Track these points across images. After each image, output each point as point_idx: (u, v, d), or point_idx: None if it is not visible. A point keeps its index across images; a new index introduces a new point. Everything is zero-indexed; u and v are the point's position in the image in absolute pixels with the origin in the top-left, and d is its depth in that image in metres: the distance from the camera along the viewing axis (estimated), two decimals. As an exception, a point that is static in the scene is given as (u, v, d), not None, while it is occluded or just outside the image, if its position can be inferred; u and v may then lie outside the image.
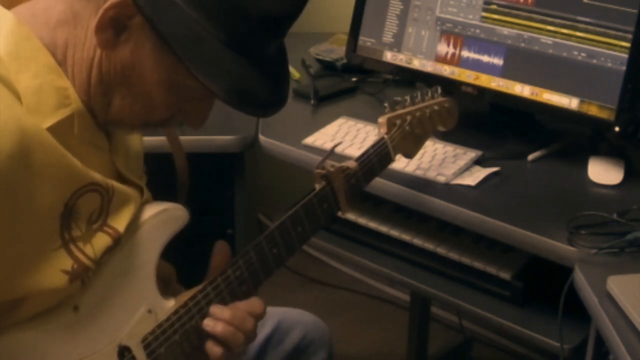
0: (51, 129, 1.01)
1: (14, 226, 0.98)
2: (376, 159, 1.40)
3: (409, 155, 1.53)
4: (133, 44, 1.02)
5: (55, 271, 1.04)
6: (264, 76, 1.06)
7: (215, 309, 1.19)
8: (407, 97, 1.50)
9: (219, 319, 1.18)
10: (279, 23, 1.06)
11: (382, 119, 1.45)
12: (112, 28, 1.01)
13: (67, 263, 1.05)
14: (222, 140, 1.85)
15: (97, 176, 1.07)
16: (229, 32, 1.01)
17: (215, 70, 1.01)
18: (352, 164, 1.36)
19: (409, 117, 1.47)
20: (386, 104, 1.46)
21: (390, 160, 1.44)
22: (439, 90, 1.56)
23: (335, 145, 1.46)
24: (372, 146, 1.41)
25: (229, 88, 1.02)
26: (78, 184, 1.05)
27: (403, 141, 1.47)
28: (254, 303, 1.21)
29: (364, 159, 1.38)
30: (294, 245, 1.27)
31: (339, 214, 1.34)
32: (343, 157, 1.46)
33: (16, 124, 0.96)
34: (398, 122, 1.46)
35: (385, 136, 1.43)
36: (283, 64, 1.13)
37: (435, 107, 1.54)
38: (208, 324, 1.18)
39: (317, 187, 1.31)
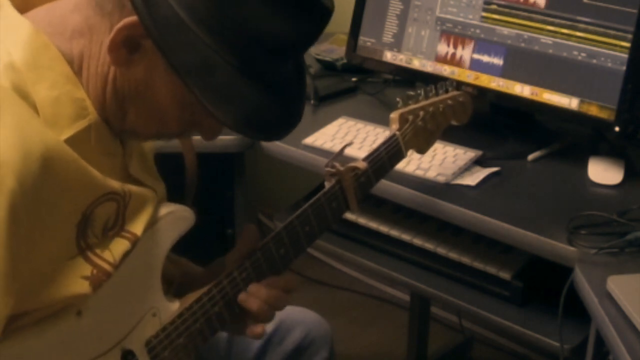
0: (69, 141, 1.00)
1: (35, 239, 0.97)
2: (387, 157, 1.38)
3: (421, 151, 1.50)
4: (147, 63, 1.02)
5: (75, 278, 1.03)
6: (276, 100, 1.05)
7: (253, 287, 1.20)
8: (421, 91, 1.47)
9: (255, 297, 1.20)
10: (294, 46, 1.04)
11: (394, 115, 1.42)
12: (126, 47, 1.00)
13: (86, 269, 1.04)
14: (222, 140, 1.82)
15: (115, 184, 1.07)
16: (240, 57, 1.00)
17: (224, 98, 1.00)
18: (361, 164, 1.33)
19: (421, 113, 1.44)
20: (399, 99, 1.43)
21: (402, 156, 1.42)
22: (454, 84, 1.54)
23: (347, 145, 1.43)
24: (383, 143, 1.39)
25: (238, 116, 1.01)
26: (97, 193, 1.04)
27: (415, 137, 1.44)
28: (290, 280, 1.24)
29: (373, 157, 1.36)
30: (301, 245, 1.26)
31: (349, 213, 1.32)
32: (347, 159, 1.43)
33: (39, 140, 0.95)
34: (410, 117, 1.43)
35: (397, 132, 1.41)
36: (299, 81, 1.12)
37: (449, 102, 1.51)
38: (243, 298, 1.19)
39: (327, 185, 1.29)
